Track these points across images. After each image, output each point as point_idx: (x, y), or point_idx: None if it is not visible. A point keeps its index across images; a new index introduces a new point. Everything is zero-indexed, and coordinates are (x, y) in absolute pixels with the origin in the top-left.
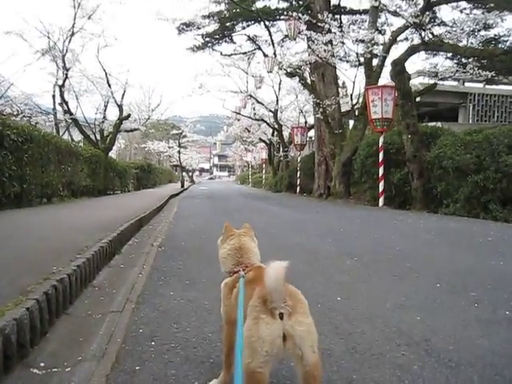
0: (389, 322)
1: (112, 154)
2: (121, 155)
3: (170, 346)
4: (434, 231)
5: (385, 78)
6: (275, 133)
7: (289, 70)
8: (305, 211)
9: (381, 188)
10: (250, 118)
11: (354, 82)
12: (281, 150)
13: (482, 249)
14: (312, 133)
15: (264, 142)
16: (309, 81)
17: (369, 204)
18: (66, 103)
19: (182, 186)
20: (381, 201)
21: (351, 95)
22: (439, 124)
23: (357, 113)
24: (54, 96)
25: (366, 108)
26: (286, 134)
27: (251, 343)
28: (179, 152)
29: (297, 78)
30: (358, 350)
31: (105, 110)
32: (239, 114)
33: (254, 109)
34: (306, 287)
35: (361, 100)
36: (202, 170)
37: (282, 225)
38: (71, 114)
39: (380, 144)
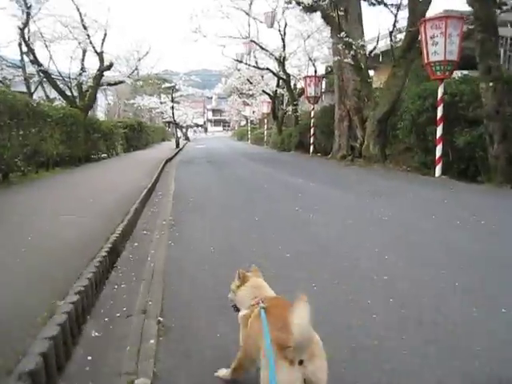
0: None
1: (100, 112)
2: (110, 113)
3: None
4: None
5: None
6: (280, 84)
7: (308, 3)
8: (353, 190)
9: (438, 153)
10: (255, 66)
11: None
12: (284, 103)
13: None
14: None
15: (268, 94)
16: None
17: (418, 172)
18: (32, 51)
19: (177, 145)
20: (438, 170)
21: (391, 33)
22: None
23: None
24: (20, 44)
25: (410, 49)
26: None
27: None
28: (173, 108)
29: (317, 14)
30: None
31: (82, 60)
32: (241, 62)
33: (255, 56)
34: None
35: (397, 39)
36: (196, 126)
37: (361, 239)
38: (39, 64)
39: (439, 95)
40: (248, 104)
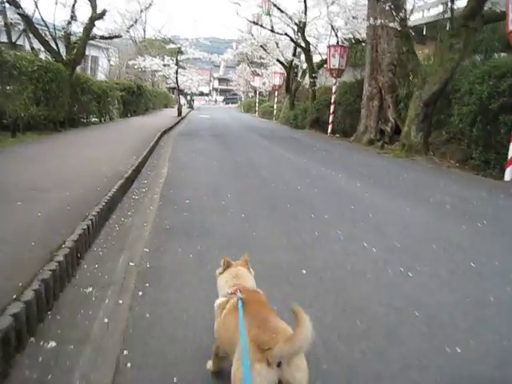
0: None
1: (101, 73)
2: (111, 75)
3: None
4: None
5: None
6: (296, 53)
7: None
8: (423, 201)
9: None
10: (271, 30)
11: None
12: (299, 75)
13: None
14: None
15: (282, 64)
16: None
17: (474, 171)
18: None
19: (180, 114)
20: (508, 172)
21: None
22: None
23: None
24: None
25: (474, 16)
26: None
27: None
28: (177, 72)
29: None
30: None
31: (73, 6)
32: (257, 24)
33: (271, 20)
34: None
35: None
36: (201, 94)
37: None
38: (17, 6)
39: None
40: (258, 74)
